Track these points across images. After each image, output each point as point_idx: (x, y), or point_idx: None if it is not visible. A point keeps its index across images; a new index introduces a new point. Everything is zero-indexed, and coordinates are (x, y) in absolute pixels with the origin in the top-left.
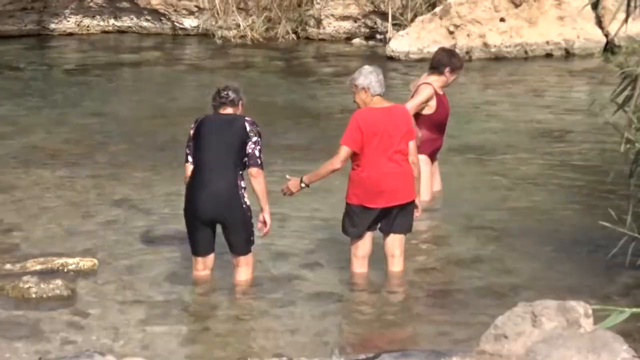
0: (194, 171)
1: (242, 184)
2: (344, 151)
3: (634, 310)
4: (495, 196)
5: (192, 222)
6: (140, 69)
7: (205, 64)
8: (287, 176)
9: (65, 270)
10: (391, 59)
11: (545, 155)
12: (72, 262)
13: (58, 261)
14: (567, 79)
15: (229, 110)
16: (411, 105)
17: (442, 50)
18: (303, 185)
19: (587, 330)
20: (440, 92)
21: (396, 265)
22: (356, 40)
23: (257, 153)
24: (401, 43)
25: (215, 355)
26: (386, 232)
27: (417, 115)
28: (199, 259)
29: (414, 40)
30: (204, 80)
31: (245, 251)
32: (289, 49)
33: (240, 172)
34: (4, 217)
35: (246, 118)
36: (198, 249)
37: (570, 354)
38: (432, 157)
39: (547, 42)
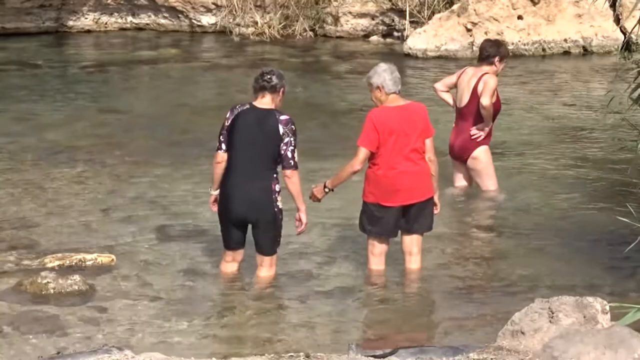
0: (227, 169)
1: (277, 187)
2: (362, 152)
3: None
4: (513, 192)
5: (225, 221)
6: (157, 66)
7: (223, 61)
8: (312, 186)
9: (83, 265)
10: (409, 56)
11: (563, 152)
12: (90, 258)
13: (76, 257)
14: (585, 76)
15: (266, 98)
16: (488, 95)
17: (488, 41)
18: (327, 190)
19: (605, 327)
20: None
21: (414, 262)
22: (374, 38)
23: (289, 154)
24: (419, 40)
25: (233, 350)
26: (405, 231)
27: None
28: (229, 252)
29: (431, 37)
30: (222, 77)
31: (271, 252)
32: (306, 46)
33: (276, 175)
34: (22, 213)
35: (280, 117)
36: (229, 244)
37: (587, 350)
38: None
39: (565, 40)
